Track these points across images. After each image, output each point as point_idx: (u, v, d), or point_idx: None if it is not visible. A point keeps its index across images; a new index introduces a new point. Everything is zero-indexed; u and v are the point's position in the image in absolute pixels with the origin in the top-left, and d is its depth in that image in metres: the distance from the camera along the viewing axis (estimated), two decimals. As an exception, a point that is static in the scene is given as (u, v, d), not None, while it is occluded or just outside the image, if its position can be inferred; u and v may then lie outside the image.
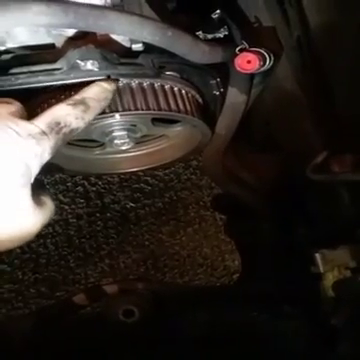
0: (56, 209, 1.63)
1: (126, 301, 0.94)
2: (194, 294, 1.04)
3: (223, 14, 0.81)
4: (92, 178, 1.57)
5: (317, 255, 0.83)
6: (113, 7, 0.72)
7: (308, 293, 0.83)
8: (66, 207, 1.58)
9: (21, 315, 1.49)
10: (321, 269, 0.82)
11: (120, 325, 0.89)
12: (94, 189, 1.58)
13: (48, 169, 0.90)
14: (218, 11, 0.80)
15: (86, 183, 1.58)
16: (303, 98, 0.84)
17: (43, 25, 0.62)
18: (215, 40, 0.80)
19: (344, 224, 0.88)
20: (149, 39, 0.68)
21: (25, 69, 0.73)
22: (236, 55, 0.77)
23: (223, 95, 0.84)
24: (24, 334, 0.98)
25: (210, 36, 0.82)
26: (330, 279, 0.81)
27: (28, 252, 1.58)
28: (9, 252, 1.58)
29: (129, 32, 0.66)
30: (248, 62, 0.77)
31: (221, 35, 0.83)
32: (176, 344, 0.86)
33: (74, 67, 0.72)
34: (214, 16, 0.81)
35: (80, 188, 1.58)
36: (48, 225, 1.54)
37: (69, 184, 1.57)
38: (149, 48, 0.75)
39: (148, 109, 0.77)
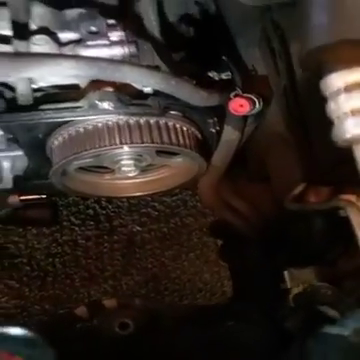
0: (67, 230, 1.82)
1: (123, 314, 1.00)
2: (186, 311, 1.20)
3: (229, 64, 1.03)
4: (103, 202, 1.75)
5: (286, 272, 0.99)
6: (129, 59, 0.93)
7: (276, 306, 1.01)
8: (76, 228, 1.75)
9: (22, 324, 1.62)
10: (288, 285, 0.98)
11: (115, 337, 0.96)
12: (104, 212, 1.76)
13: (62, 191, 1.13)
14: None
15: (97, 206, 1.76)
16: (288, 138, 1.04)
17: (71, 76, 0.84)
18: (213, 85, 1.01)
19: (315, 248, 1.07)
20: (156, 86, 0.90)
21: (53, 106, 0.94)
22: (231, 99, 0.98)
23: (219, 132, 1.05)
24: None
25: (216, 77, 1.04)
26: (293, 293, 0.99)
27: (37, 270, 1.72)
28: (18, 269, 1.73)
29: (140, 81, 0.88)
30: (241, 106, 0.98)
31: (223, 77, 1.05)
32: (167, 356, 0.94)
33: (93, 106, 0.94)
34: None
35: (91, 211, 1.76)
36: (58, 245, 1.74)
37: (81, 207, 1.75)
38: (157, 91, 0.96)
39: (153, 143, 0.98)
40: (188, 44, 1.03)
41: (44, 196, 1.28)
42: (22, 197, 1.23)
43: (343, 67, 0.70)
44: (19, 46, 0.87)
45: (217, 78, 1.04)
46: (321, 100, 0.77)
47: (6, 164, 1.06)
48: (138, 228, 1.77)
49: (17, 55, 0.83)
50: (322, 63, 0.71)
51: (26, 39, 0.88)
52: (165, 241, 1.78)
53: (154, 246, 1.77)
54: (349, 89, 0.70)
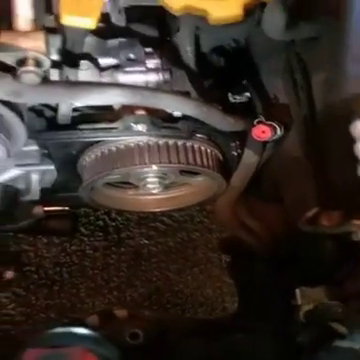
0: (76, 240, 1.86)
1: (133, 325, 1.05)
2: (195, 324, 1.26)
3: (251, 91, 1.11)
4: (113, 214, 1.80)
5: (297, 290, 1.05)
6: (162, 85, 1.01)
7: (285, 321, 1.08)
8: (85, 239, 1.79)
9: (31, 330, 1.62)
10: (299, 302, 1.04)
11: (125, 346, 0.99)
12: (113, 224, 1.80)
13: (86, 204, 1.20)
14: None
15: (106, 218, 1.80)
16: (305, 164, 1.12)
17: (116, 103, 0.92)
18: (236, 110, 1.10)
19: (324, 269, 1.14)
20: (189, 113, 0.98)
21: (90, 126, 1.02)
22: (254, 126, 1.06)
23: (240, 155, 1.13)
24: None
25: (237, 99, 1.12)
26: (304, 310, 1.04)
27: (44, 278, 1.75)
28: (26, 277, 1.77)
29: (176, 108, 0.97)
30: (263, 132, 1.06)
31: (243, 100, 1.13)
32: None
33: (128, 128, 1.02)
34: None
35: (100, 222, 1.81)
36: (66, 254, 1.79)
37: (91, 218, 1.79)
38: (186, 115, 1.04)
39: (179, 163, 1.06)
40: (216, 72, 1.11)
41: (66, 208, 1.35)
42: (46, 208, 1.29)
43: None
44: (69, 72, 0.95)
45: (237, 101, 1.12)
46: (340, 132, 0.87)
47: (35, 177, 1.13)
48: (145, 241, 1.82)
49: (72, 83, 0.91)
50: (354, 110, 0.81)
51: (74, 65, 0.96)
52: (171, 255, 1.80)
53: (159, 259, 1.79)
54: None
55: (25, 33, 0.85)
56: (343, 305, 1.02)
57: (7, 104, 0.88)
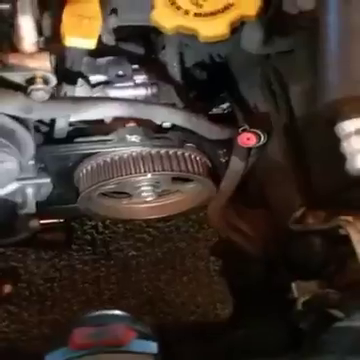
0: (65, 255, 1.91)
1: None
2: (192, 327, 1.33)
3: (233, 102, 1.20)
4: (100, 227, 1.85)
5: (293, 284, 1.12)
6: (150, 98, 1.10)
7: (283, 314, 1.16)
8: (74, 254, 1.84)
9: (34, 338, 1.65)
10: (296, 294, 1.12)
11: None
12: (101, 237, 1.84)
13: (81, 215, 1.27)
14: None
15: (94, 232, 1.85)
16: (288, 169, 1.20)
17: (114, 115, 1.01)
18: (222, 120, 1.18)
19: (315, 265, 1.21)
20: (179, 123, 1.06)
21: (86, 139, 1.10)
22: (239, 133, 1.15)
23: (227, 162, 1.22)
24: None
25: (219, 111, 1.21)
26: (302, 301, 1.09)
27: (35, 294, 1.79)
28: (18, 294, 1.81)
29: (166, 119, 1.05)
30: (248, 139, 1.14)
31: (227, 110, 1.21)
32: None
33: (122, 139, 1.10)
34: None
35: (88, 236, 1.86)
36: (56, 270, 1.84)
37: (79, 232, 1.85)
38: (174, 126, 1.13)
39: (171, 171, 1.14)
40: (200, 85, 1.20)
41: (62, 220, 1.42)
42: (42, 221, 1.35)
43: (354, 116, 0.92)
44: (66, 88, 1.03)
45: (221, 112, 1.21)
46: (321, 136, 0.97)
47: (30, 190, 1.19)
48: (134, 252, 1.86)
49: (77, 99, 1.00)
50: (337, 113, 0.91)
51: (71, 83, 1.05)
52: (159, 265, 1.86)
53: (149, 270, 1.83)
54: (358, 132, 0.92)
55: (31, 54, 0.93)
56: (339, 292, 1.09)
57: (18, 120, 0.97)
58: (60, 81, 1.00)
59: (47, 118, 1.05)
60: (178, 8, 1.05)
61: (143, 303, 1.78)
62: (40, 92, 0.90)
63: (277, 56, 1.18)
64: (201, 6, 1.05)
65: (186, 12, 1.05)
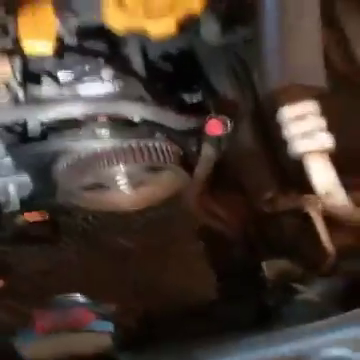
0: (57, 248, 1.95)
1: (124, 317, 1.17)
2: (180, 308, 1.39)
3: (202, 91, 1.25)
4: (90, 219, 1.92)
5: (263, 263, 1.19)
6: (119, 93, 1.15)
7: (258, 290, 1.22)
8: (67, 246, 1.89)
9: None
10: (266, 274, 1.18)
11: (120, 338, 1.06)
12: (91, 228, 1.90)
13: (65, 209, 1.33)
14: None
15: (85, 224, 1.93)
16: (257, 151, 1.26)
17: (78, 114, 1.06)
18: (189, 109, 1.23)
19: (288, 244, 1.28)
20: (146, 116, 1.12)
21: (57, 136, 1.15)
22: (206, 122, 1.20)
23: (199, 150, 1.27)
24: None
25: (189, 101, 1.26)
26: (270, 278, 1.16)
27: (34, 288, 1.82)
28: (16, 288, 1.86)
29: (132, 113, 1.11)
30: (215, 127, 1.20)
31: (195, 100, 1.26)
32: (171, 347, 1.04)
33: (92, 134, 1.15)
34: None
35: (79, 228, 1.91)
36: (51, 263, 1.90)
37: (70, 225, 1.90)
38: (143, 118, 1.18)
39: (143, 161, 1.20)
40: (167, 76, 1.25)
41: (48, 215, 1.47)
42: (27, 217, 1.41)
43: (291, 104, 0.97)
44: (32, 89, 1.08)
45: (190, 102, 1.26)
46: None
47: (12, 187, 1.24)
48: (124, 242, 1.93)
49: (39, 100, 1.05)
50: (276, 101, 0.96)
51: (37, 82, 1.10)
52: (151, 253, 1.93)
53: (141, 257, 1.91)
54: (296, 118, 0.97)
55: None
56: (301, 268, 1.15)
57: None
58: (26, 81, 1.05)
59: (13, 120, 1.10)
60: (126, 8, 1.10)
61: (137, 290, 1.86)
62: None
63: (241, 44, 1.24)
64: (147, 5, 1.09)
65: (135, 12, 1.09)
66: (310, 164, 1.03)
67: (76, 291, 1.83)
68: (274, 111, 1.02)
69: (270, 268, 1.18)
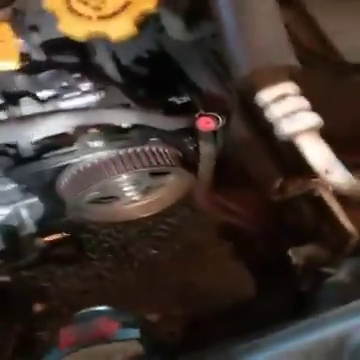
0: (88, 267, 1.97)
1: (168, 325, 1.25)
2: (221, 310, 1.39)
3: (186, 90, 1.25)
4: (114, 234, 1.93)
5: (290, 251, 1.18)
6: (102, 103, 1.15)
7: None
8: (97, 263, 1.92)
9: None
10: (293, 260, 1.17)
11: (165, 345, 1.10)
12: (117, 243, 1.93)
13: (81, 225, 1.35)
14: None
15: (109, 238, 1.94)
16: (255, 141, 1.25)
17: (64, 128, 1.07)
18: (177, 109, 1.23)
19: (309, 229, 1.25)
20: (134, 121, 1.13)
21: (52, 153, 1.17)
22: (197, 119, 1.19)
23: (196, 148, 1.27)
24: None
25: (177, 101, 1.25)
26: (300, 265, 1.16)
27: (71, 308, 1.83)
28: (54, 312, 1.88)
29: (119, 119, 1.12)
30: (207, 123, 1.19)
31: (184, 100, 1.26)
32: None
33: (85, 147, 1.16)
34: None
35: (106, 244, 1.93)
36: (84, 282, 1.91)
37: (94, 242, 1.89)
38: (134, 124, 1.18)
39: (143, 167, 1.20)
40: (147, 81, 1.25)
41: (67, 234, 1.49)
42: (46, 238, 1.42)
43: (266, 87, 0.97)
44: (13, 110, 1.10)
45: (179, 102, 1.26)
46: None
47: (24, 212, 1.27)
48: (154, 251, 1.94)
49: (21, 119, 1.07)
50: (250, 87, 0.95)
51: (15, 104, 1.11)
52: (180, 258, 1.93)
53: (172, 265, 1.92)
54: (275, 100, 0.96)
55: None
56: (326, 251, 1.15)
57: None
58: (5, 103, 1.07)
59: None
60: (80, 15, 1.11)
61: (175, 297, 1.87)
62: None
63: (211, 38, 1.22)
64: (100, 9, 1.10)
65: (89, 18, 1.10)
66: (302, 144, 1.00)
67: (115, 306, 1.90)
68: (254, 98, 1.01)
69: (297, 255, 1.18)
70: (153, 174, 1.27)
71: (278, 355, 0.90)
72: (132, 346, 1.00)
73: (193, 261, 1.90)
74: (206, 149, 1.25)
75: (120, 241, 1.92)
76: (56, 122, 1.07)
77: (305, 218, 1.28)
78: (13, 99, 1.13)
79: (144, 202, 1.37)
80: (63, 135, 1.18)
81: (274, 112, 0.97)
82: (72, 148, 1.17)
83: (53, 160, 1.17)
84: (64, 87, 1.17)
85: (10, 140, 1.12)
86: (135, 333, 1.01)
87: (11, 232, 1.29)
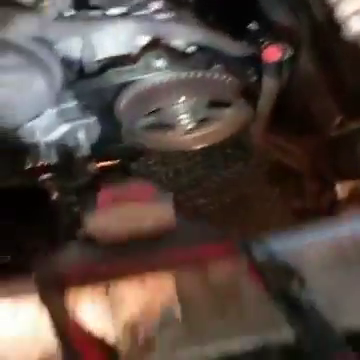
0: None
1: None
2: None
3: (256, 19, 1.23)
4: (164, 180, 1.94)
5: (338, 185, 1.23)
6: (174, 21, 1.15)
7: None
8: None
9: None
10: (340, 195, 1.21)
11: None
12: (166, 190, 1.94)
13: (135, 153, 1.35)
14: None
15: (159, 185, 1.94)
16: (322, 78, 1.22)
17: (129, 35, 1.07)
18: (247, 37, 1.20)
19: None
20: (200, 40, 1.12)
21: (118, 69, 1.17)
22: (264, 48, 1.18)
23: (257, 81, 1.24)
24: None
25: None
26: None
27: None
28: None
29: (186, 37, 1.11)
30: (273, 53, 1.17)
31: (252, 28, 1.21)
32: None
33: (149, 65, 1.16)
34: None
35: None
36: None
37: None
38: (198, 50, 1.18)
39: (203, 92, 1.20)
40: (217, 3, 1.23)
41: (118, 160, 1.50)
42: (100, 164, 1.43)
43: None
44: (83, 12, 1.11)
45: (248, 29, 1.23)
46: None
47: (81, 133, 1.28)
48: (203, 200, 1.94)
49: (89, 17, 1.07)
50: None
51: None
52: (230, 210, 1.92)
53: (221, 216, 1.91)
54: None
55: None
56: None
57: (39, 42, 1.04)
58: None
59: (62, 37, 1.11)
60: None
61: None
62: (50, 9, 0.97)
63: None
64: None
65: None
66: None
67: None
68: (336, 31, 0.98)
69: (343, 189, 1.16)
70: (211, 105, 1.26)
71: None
72: (166, 210, 1.06)
73: (241, 215, 1.90)
74: (269, 82, 1.23)
75: (169, 188, 1.94)
76: (122, 27, 1.06)
77: (357, 154, 1.27)
78: (86, 12, 1.13)
79: (198, 133, 1.36)
80: (127, 56, 1.18)
81: (345, 9, 0.95)
82: (134, 66, 1.17)
83: (114, 76, 1.17)
84: (136, 5, 1.16)
85: (73, 35, 1.10)
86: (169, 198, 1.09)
87: (67, 151, 1.30)
